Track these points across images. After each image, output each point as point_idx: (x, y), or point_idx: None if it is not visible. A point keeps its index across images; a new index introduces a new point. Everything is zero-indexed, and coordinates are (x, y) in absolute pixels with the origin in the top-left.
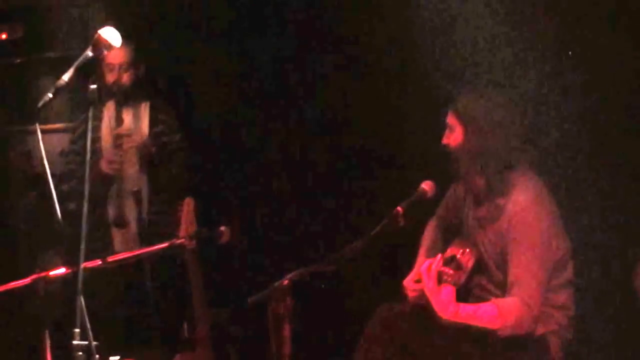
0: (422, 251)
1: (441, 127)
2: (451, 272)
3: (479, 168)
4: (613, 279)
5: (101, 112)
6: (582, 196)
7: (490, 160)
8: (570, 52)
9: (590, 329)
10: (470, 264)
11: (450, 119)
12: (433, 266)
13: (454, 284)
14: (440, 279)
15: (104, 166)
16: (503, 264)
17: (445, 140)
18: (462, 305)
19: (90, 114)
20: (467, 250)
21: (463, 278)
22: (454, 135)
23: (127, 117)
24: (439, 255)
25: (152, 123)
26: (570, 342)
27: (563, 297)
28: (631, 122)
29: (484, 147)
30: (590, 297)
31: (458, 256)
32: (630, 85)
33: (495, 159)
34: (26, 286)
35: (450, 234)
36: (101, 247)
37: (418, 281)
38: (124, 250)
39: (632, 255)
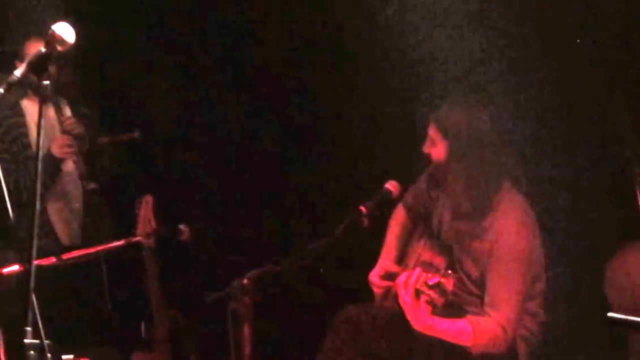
0: (387, 244)
1: (412, 128)
2: (435, 296)
3: (462, 185)
4: (583, 284)
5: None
6: (553, 204)
7: (474, 179)
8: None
9: (558, 334)
10: (452, 286)
11: (433, 132)
12: (411, 281)
13: (434, 306)
14: (417, 295)
15: (56, 150)
16: (480, 281)
17: (426, 149)
18: (436, 319)
19: (44, 110)
20: (450, 272)
21: (443, 301)
22: (435, 149)
23: (51, 111)
24: (418, 270)
25: (76, 116)
26: (539, 347)
27: (534, 304)
28: (601, 133)
29: (469, 168)
30: (559, 303)
31: (442, 281)
32: (605, 99)
33: (480, 180)
34: None
35: (417, 223)
36: (50, 243)
37: (385, 277)
38: (71, 245)
39: (601, 261)
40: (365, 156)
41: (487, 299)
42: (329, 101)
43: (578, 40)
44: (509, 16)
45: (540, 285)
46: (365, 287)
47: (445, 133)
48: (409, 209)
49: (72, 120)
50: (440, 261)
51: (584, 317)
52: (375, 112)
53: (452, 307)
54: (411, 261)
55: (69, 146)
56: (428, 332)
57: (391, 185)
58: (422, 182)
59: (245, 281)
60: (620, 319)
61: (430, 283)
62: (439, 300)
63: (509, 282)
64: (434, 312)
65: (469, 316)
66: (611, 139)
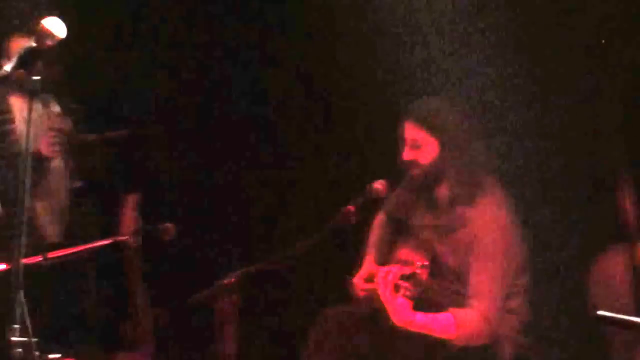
0: (370, 248)
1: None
2: (410, 287)
3: (450, 180)
4: (566, 283)
5: (3, 103)
6: (536, 202)
7: (463, 173)
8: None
9: (542, 332)
10: (426, 276)
11: (413, 131)
12: (389, 277)
13: (411, 298)
14: (397, 289)
15: (44, 148)
16: (460, 273)
17: (410, 157)
18: (418, 314)
19: (33, 105)
20: (426, 263)
21: (419, 291)
22: (423, 151)
23: (39, 107)
24: (397, 266)
25: (64, 113)
26: (524, 347)
27: (517, 302)
28: (584, 129)
29: (462, 160)
30: (543, 301)
31: (418, 272)
32: (589, 92)
33: (469, 170)
34: None
35: (398, 229)
36: (35, 241)
37: (368, 280)
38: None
39: (585, 261)
40: (353, 155)
41: (469, 291)
42: (319, 100)
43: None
44: (495, 10)
45: (522, 282)
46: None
47: (430, 129)
48: (389, 216)
49: (60, 117)
50: (418, 259)
51: (568, 316)
52: (365, 111)
53: (432, 303)
54: (393, 262)
55: (57, 144)
56: (410, 328)
57: (379, 184)
58: (402, 188)
59: (231, 280)
60: (610, 317)
61: (405, 274)
62: (415, 291)
63: (490, 273)
64: (415, 307)
65: (450, 308)
66: (597, 137)
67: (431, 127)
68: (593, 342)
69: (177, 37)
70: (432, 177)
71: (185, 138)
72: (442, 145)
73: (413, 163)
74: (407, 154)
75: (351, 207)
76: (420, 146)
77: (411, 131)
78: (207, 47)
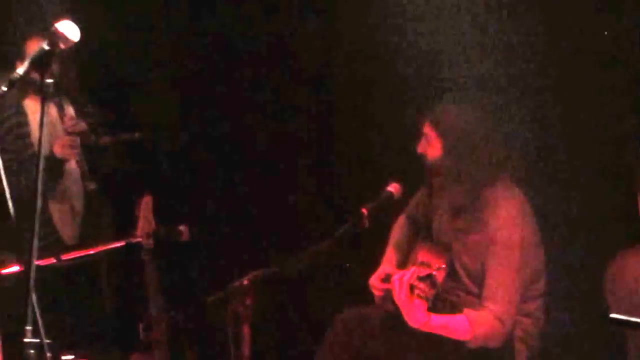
0: (389, 249)
1: (411, 130)
2: (426, 288)
3: (457, 183)
4: (583, 286)
5: (18, 106)
6: (553, 205)
7: (469, 176)
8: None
9: (558, 336)
10: (442, 279)
11: (428, 130)
12: (405, 278)
13: (426, 299)
14: (412, 290)
15: (58, 151)
16: (477, 275)
17: (421, 150)
18: (433, 315)
19: (45, 108)
20: (443, 266)
21: (435, 293)
22: (431, 148)
23: (54, 110)
24: (413, 268)
25: (79, 115)
26: (538, 349)
27: (533, 305)
28: (606, 131)
29: (463, 163)
30: (559, 305)
31: (434, 273)
32: (612, 95)
33: (474, 175)
34: None
35: (418, 232)
36: (51, 243)
37: (385, 280)
38: (71, 246)
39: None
40: (367, 158)
41: (485, 293)
42: (333, 102)
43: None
44: (513, 12)
45: (539, 286)
46: (365, 290)
47: (439, 131)
48: (410, 218)
49: (75, 119)
50: (437, 262)
51: (584, 319)
52: (380, 114)
53: (448, 305)
54: (411, 264)
55: (72, 147)
56: (425, 329)
57: (393, 187)
58: (423, 191)
59: (245, 282)
60: (622, 320)
61: (421, 275)
62: (430, 292)
63: (505, 274)
64: (430, 309)
65: (465, 310)
66: (616, 139)
67: (437, 128)
68: (609, 345)
69: (191, 37)
70: (436, 173)
71: (200, 140)
72: (445, 145)
73: (423, 155)
74: (420, 147)
75: (364, 210)
76: (429, 142)
77: (426, 128)
78: (222, 47)
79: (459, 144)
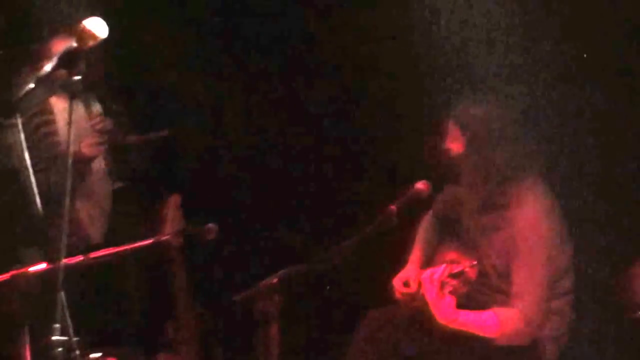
0: (416, 249)
1: (437, 128)
2: (458, 285)
3: (481, 180)
4: (611, 283)
5: (45, 104)
6: (581, 202)
7: (492, 174)
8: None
9: (587, 333)
10: (475, 275)
11: (451, 128)
12: (436, 276)
13: (457, 296)
14: (443, 287)
15: (85, 149)
16: (505, 273)
17: (445, 146)
18: (461, 312)
19: (72, 106)
20: (475, 262)
21: (467, 289)
22: (455, 145)
23: (81, 108)
24: (444, 265)
25: (105, 114)
26: (567, 346)
27: (561, 303)
28: (635, 126)
29: (486, 161)
30: (588, 302)
31: (466, 270)
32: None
33: (498, 172)
34: (3, 283)
35: (445, 231)
36: (78, 241)
37: (406, 284)
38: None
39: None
40: (396, 155)
41: (512, 291)
42: (361, 99)
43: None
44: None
45: (567, 283)
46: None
47: (462, 128)
48: (437, 216)
49: (102, 118)
50: (466, 260)
51: (612, 317)
52: (408, 110)
53: (476, 302)
54: (438, 264)
55: (98, 145)
56: (453, 326)
57: (421, 184)
58: (449, 188)
59: (274, 280)
60: None
61: (454, 272)
62: (462, 289)
63: (532, 272)
64: (458, 306)
65: (494, 307)
66: None
67: (461, 125)
68: (638, 343)
69: (218, 33)
70: (459, 169)
71: (227, 137)
72: (468, 143)
73: (447, 152)
74: (444, 144)
75: (393, 207)
76: (453, 139)
77: (449, 125)
78: (246, 42)
79: (482, 141)
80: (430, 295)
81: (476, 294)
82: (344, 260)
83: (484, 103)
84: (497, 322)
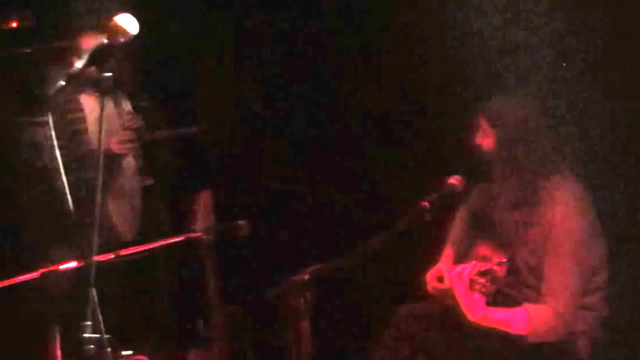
0: (449, 243)
1: (469, 124)
2: (486, 283)
3: (513, 176)
4: None
5: (75, 102)
6: (615, 197)
7: (524, 168)
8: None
9: (620, 329)
10: (504, 273)
11: (482, 122)
12: (465, 273)
13: (486, 295)
14: (472, 285)
15: (115, 146)
16: (537, 269)
17: (476, 142)
18: (492, 309)
19: (104, 102)
20: (504, 260)
21: (496, 287)
22: (486, 140)
23: (110, 105)
24: (473, 262)
25: (135, 110)
26: (602, 342)
27: (595, 298)
28: None
29: (517, 157)
30: (622, 298)
31: (494, 268)
32: None
33: (530, 166)
34: (34, 281)
35: (478, 226)
36: (109, 239)
37: (439, 280)
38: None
39: None
40: (429, 150)
41: (544, 287)
42: (396, 94)
43: None
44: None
45: (600, 278)
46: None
47: (493, 123)
48: (470, 211)
49: (132, 115)
50: (498, 256)
51: None
52: (442, 105)
53: (507, 299)
54: (471, 258)
55: (129, 142)
56: (483, 323)
57: (455, 180)
58: (482, 184)
59: (305, 277)
60: None
61: (482, 270)
62: (491, 287)
63: (565, 268)
64: (489, 303)
65: (525, 304)
66: None
67: (491, 120)
68: None
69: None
70: (490, 165)
71: (258, 133)
72: (498, 137)
73: (478, 147)
74: (477, 138)
75: (425, 203)
76: (484, 134)
77: (480, 121)
78: (281, 38)
79: (513, 136)
80: (459, 293)
81: (508, 290)
82: (375, 256)
83: (515, 98)
84: (528, 319)
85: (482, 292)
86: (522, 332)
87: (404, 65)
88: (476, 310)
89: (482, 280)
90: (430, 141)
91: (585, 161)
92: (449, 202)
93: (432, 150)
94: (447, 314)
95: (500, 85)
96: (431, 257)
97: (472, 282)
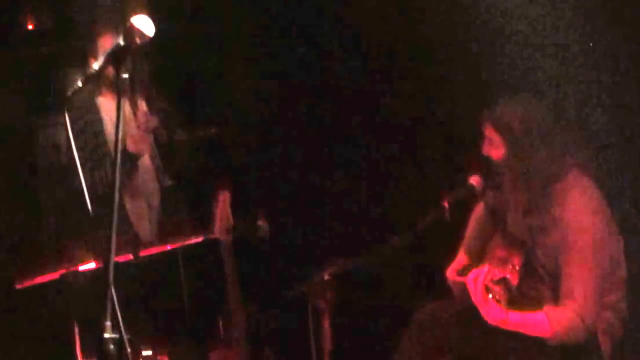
0: (466, 240)
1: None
2: (500, 291)
3: (525, 181)
4: None
5: (92, 103)
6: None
7: (535, 174)
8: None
9: None
10: (516, 281)
11: (489, 131)
12: (480, 279)
13: (500, 302)
14: (487, 290)
15: (131, 146)
16: (555, 272)
17: (485, 151)
18: (511, 313)
19: (121, 104)
20: (517, 267)
21: (509, 295)
22: (494, 149)
23: (127, 106)
24: (487, 267)
25: (151, 111)
26: (622, 340)
27: (614, 297)
28: None
29: (529, 161)
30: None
31: (507, 276)
32: None
33: (541, 171)
34: (54, 281)
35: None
36: (128, 240)
37: (460, 272)
38: (148, 242)
39: None
40: (449, 150)
41: (563, 289)
42: (413, 96)
43: None
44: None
45: (620, 277)
46: (443, 284)
47: (501, 131)
48: (488, 208)
49: (147, 115)
50: (514, 257)
51: None
52: (463, 106)
53: (529, 299)
54: (488, 258)
55: (144, 142)
56: (503, 327)
57: (474, 180)
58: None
59: (326, 277)
60: None
61: (495, 279)
62: (504, 297)
63: (584, 270)
64: (509, 305)
65: (546, 307)
66: None
67: (499, 128)
68: None
69: (263, 32)
70: (502, 174)
71: (277, 134)
72: (507, 145)
73: (488, 158)
74: (484, 149)
75: (445, 204)
76: (492, 143)
77: (487, 129)
78: (299, 39)
79: (521, 143)
80: (475, 298)
81: (527, 291)
82: (395, 255)
83: (520, 103)
84: (548, 323)
85: (497, 300)
86: (542, 335)
87: (426, 68)
88: (494, 315)
89: (496, 288)
90: (450, 142)
91: (598, 158)
92: (468, 203)
93: (453, 151)
94: (469, 312)
95: (508, 88)
96: (451, 256)
97: (486, 289)
